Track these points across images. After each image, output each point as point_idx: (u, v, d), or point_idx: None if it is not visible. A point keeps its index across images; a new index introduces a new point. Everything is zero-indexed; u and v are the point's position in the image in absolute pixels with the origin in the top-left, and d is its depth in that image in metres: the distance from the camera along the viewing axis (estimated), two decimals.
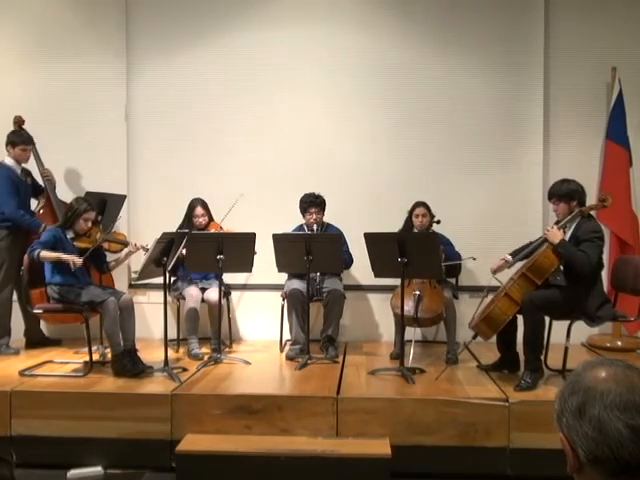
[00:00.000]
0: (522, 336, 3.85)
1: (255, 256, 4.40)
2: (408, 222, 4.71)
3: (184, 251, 4.34)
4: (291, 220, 4.94)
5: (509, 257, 4.09)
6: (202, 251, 4.31)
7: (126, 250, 4.42)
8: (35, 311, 4.28)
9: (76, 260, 3.98)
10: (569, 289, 3.78)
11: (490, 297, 4.00)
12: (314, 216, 4.78)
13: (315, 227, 4.79)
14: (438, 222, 4.62)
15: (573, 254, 3.69)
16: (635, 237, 5.02)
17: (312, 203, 4.78)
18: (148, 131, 5.38)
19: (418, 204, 4.67)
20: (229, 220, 4.75)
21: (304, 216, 4.84)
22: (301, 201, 4.83)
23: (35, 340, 4.93)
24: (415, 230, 4.65)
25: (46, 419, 3.60)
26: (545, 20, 5.20)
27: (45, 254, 4.00)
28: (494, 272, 4.04)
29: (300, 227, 4.92)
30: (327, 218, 4.94)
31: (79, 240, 4.24)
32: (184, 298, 4.73)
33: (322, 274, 4.70)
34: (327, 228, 4.90)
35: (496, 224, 5.11)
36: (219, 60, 5.33)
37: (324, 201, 4.83)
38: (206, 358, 4.43)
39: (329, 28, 5.29)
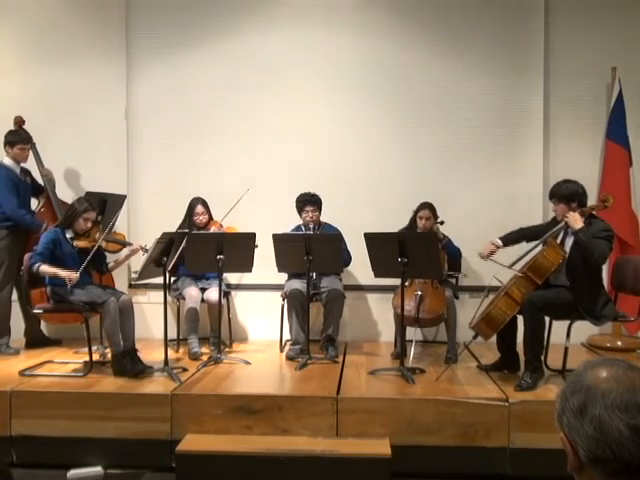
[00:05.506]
0: (522, 336, 3.85)
1: (256, 254, 4.39)
2: (413, 222, 4.70)
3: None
4: (291, 220, 4.93)
5: (499, 242, 4.11)
6: (202, 251, 4.31)
7: (126, 252, 4.42)
8: (35, 311, 4.28)
9: (72, 277, 3.97)
10: (573, 289, 3.79)
11: (491, 297, 4.00)
12: (310, 214, 4.78)
13: (312, 226, 4.79)
14: (442, 223, 4.61)
15: (593, 242, 3.68)
16: (635, 237, 5.02)
17: (308, 202, 4.79)
18: (148, 131, 5.38)
19: (424, 206, 4.65)
20: (229, 219, 4.76)
21: (300, 215, 4.84)
22: (297, 200, 4.84)
23: (35, 340, 4.93)
24: (418, 231, 4.64)
25: (46, 419, 3.59)
26: (545, 21, 5.20)
27: (44, 269, 4.00)
28: (485, 257, 4.05)
29: (298, 227, 4.92)
30: (328, 218, 4.94)
31: (78, 239, 4.23)
32: (184, 298, 4.73)
33: (321, 274, 4.70)
34: (324, 227, 4.90)
35: (496, 223, 5.08)
36: (219, 61, 5.34)
37: (320, 200, 4.83)
38: (206, 358, 4.43)
39: (329, 30, 5.29)
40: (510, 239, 4.15)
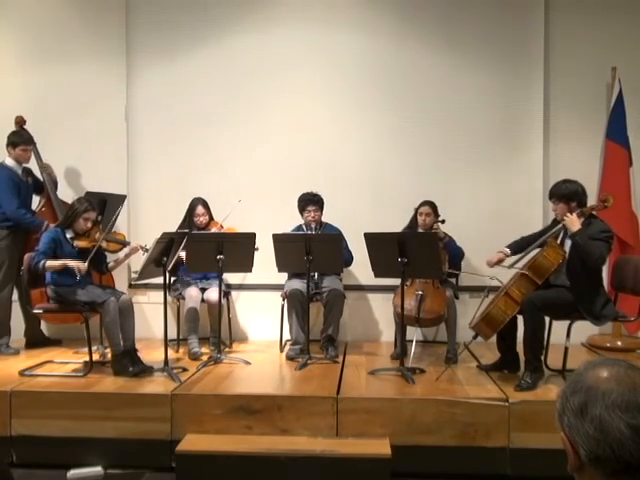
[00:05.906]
0: (522, 336, 3.85)
1: (256, 254, 4.39)
2: (414, 219, 4.71)
3: (183, 254, 4.34)
4: (291, 220, 4.94)
5: (507, 250, 4.12)
6: (202, 251, 4.31)
7: (125, 251, 4.43)
8: (35, 311, 4.28)
9: (81, 266, 3.98)
10: (573, 289, 3.78)
11: (491, 297, 4.00)
12: (312, 214, 4.79)
13: (313, 226, 4.80)
14: (443, 222, 4.61)
15: (590, 244, 3.67)
16: (635, 237, 5.02)
17: (310, 201, 4.80)
18: (148, 131, 5.38)
19: (424, 203, 4.68)
20: (229, 219, 4.76)
21: (302, 215, 4.85)
22: (299, 200, 4.84)
23: (35, 340, 4.93)
24: (419, 229, 4.66)
25: (46, 419, 3.59)
26: (545, 21, 5.20)
27: (50, 264, 4.01)
28: (492, 265, 4.05)
29: (299, 227, 4.92)
30: (329, 218, 4.94)
31: (79, 239, 4.24)
32: (184, 298, 4.73)
33: (321, 273, 4.70)
34: (325, 227, 4.90)
35: (497, 223, 5.11)
36: (219, 61, 5.34)
37: (322, 200, 4.83)
38: (206, 358, 4.43)
39: (329, 29, 5.29)
40: (516, 247, 4.16)
